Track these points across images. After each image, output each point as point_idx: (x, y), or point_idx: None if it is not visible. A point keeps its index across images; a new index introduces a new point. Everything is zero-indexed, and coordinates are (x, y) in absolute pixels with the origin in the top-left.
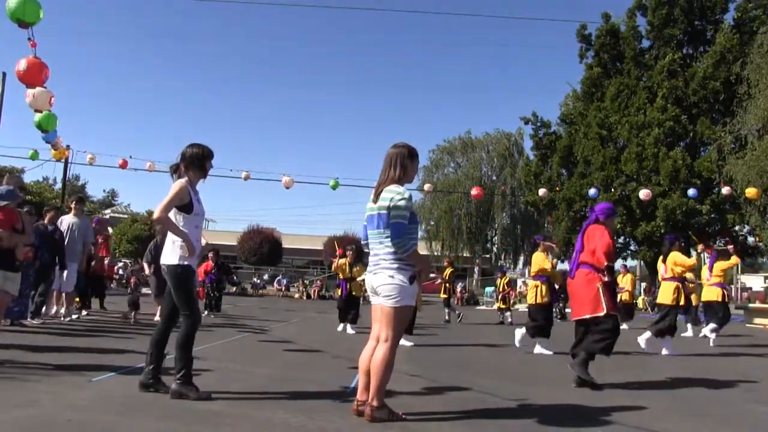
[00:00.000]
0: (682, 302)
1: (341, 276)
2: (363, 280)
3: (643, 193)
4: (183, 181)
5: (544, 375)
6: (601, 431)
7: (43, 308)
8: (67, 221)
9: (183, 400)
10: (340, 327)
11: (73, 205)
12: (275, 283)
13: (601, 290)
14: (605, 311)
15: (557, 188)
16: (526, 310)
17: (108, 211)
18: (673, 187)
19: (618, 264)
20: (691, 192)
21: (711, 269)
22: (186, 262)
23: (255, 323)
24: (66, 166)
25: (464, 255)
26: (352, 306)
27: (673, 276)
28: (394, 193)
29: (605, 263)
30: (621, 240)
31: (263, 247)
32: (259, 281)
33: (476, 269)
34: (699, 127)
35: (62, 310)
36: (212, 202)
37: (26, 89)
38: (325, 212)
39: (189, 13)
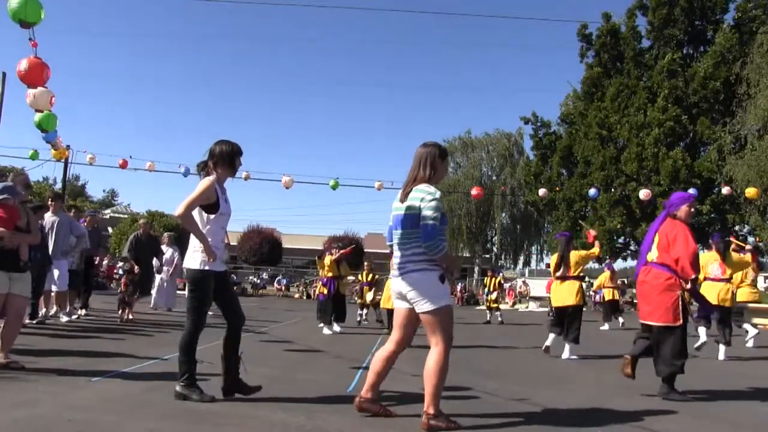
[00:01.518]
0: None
1: (329, 274)
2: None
3: (643, 193)
4: (210, 178)
5: (544, 375)
6: (601, 431)
7: (43, 309)
8: (47, 219)
9: (185, 401)
10: (326, 330)
11: (50, 203)
12: (275, 283)
13: (680, 300)
14: (680, 323)
15: (557, 188)
16: (545, 310)
17: (108, 211)
18: (673, 187)
19: (606, 264)
20: (691, 192)
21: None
22: (207, 267)
23: (255, 323)
24: (66, 166)
25: (464, 255)
26: (338, 305)
27: (729, 277)
28: (424, 193)
29: (692, 275)
30: (621, 240)
31: (263, 247)
32: (259, 281)
33: (476, 269)
34: (699, 127)
35: (54, 309)
36: None
37: (27, 89)
38: (325, 212)
39: (189, 13)
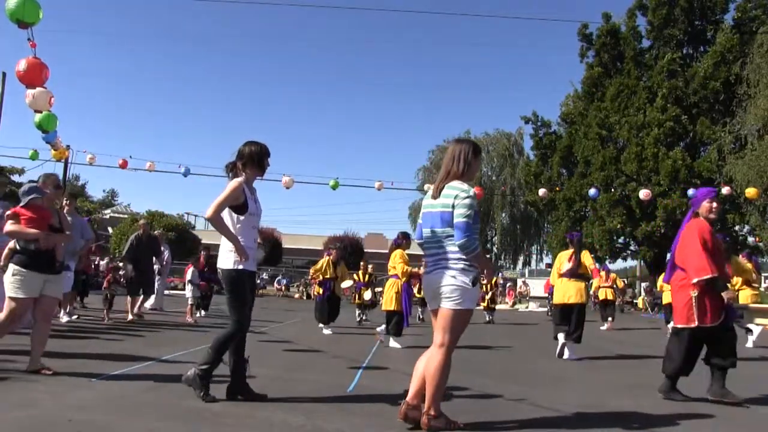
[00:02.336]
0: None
1: (325, 275)
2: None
3: (643, 193)
4: (239, 180)
5: (544, 375)
6: (600, 431)
7: None
8: None
9: (185, 396)
10: (326, 330)
11: (65, 202)
12: (275, 283)
13: (694, 301)
14: (693, 324)
15: (557, 188)
16: (545, 310)
17: (108, 211)
18: (673, 187)
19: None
20: (691, 192)
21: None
22: (241, 266)
23: (255, 323)
24: (66, 166)
25: None
26: (333, 306)
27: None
28: (458, 190)
29: (692, 278)
30: (621, 240)
31: (263, 247)
32: (258, 281)
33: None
34: (699, 127)
35: (60, 312)
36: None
37: (26, 89)
38: (325, 212)
39: (189, 13)
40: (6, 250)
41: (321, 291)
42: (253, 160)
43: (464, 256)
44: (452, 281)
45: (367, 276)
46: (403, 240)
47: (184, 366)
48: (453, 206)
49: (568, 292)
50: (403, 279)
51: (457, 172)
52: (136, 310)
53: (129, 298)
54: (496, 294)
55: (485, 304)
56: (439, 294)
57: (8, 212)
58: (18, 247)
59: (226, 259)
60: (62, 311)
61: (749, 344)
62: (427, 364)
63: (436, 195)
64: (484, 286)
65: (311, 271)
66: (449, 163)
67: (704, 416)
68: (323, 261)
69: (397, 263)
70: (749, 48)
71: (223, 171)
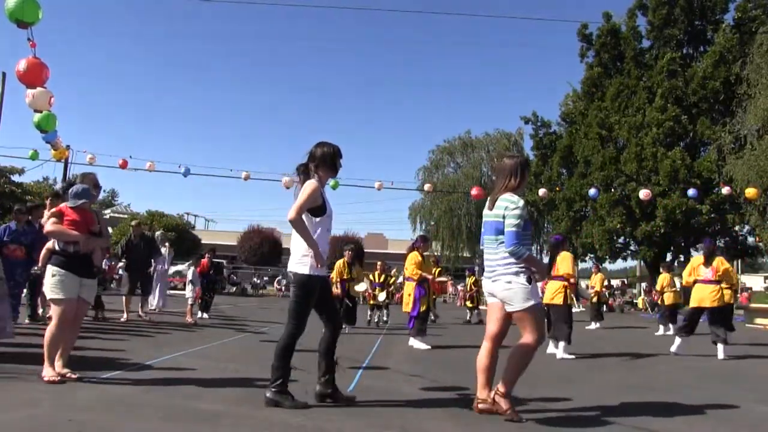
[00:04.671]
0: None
1: (341, 276)
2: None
3: (643, 193)
4: (314, 181)
5: (544, 375)
6: (600, 430)
7: (39, 310)
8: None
9: (185, 397)
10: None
11: (48, 202)
12: (275, 283)
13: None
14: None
15: (557, 188)
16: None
17: (108, 211)
18: (673, 187)
19: (590, 263)
20: (690, 192)
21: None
22: (315, 273)
23: (255, 323)
24: (66, 166)
25: (464, 255)
26: (350, 307)
27: (718, 279)
28: (508, 202)
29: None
30: (621, 240)
31: (263, 247)
32: (259, 281)
33: (476, 269)
34: (699, 127)
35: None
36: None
37: (26, 89)
38: None
39: (189, 13)
40: (44, 251)
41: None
42: (326, 161)
43: (514, 261)
44: (508, 286)
45: (383, 277)
46: (421, 243)
47: (184, 366)
48: (504, 216)
49: (547, 292)
50: (415, 280)
51: (513, 185)
52: (140, 312)
53: (124, 298)
54: (479, 293)
55: (467, 303)
56: (502, 300)
57: (52, 209)
58: (57, 248)
59: (301, 263)
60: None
61: (721, 356)
62: (512, 349)
63: (491, 206)
64: (468, 285)
65: (333, 274)
66: (507, 177)
67: (704, 416)
68: (339, 262)
69: (410, 266)
70: (749, 48)
71: (294, 173)
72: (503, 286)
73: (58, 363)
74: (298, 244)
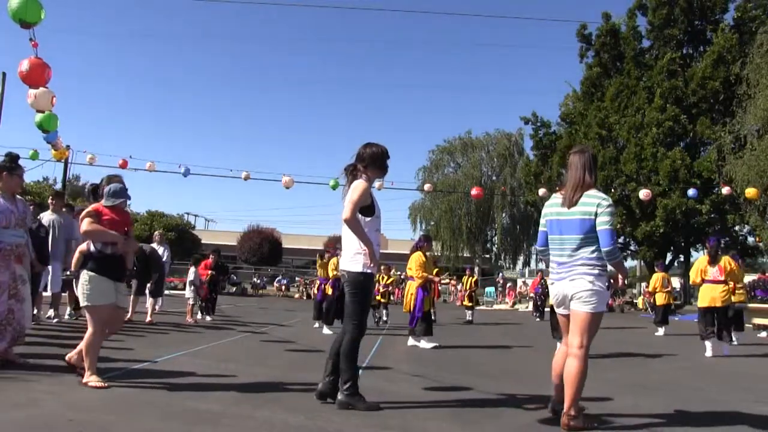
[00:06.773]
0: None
1: (334, 274)
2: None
3: (643, 193)
4: (363, 181)
5: (544, 375)
6: (601, 431)
7: (34, 311)
8: (46, 218)
9: (185, 396)
10: (326, 330)
11: (51, 201)
12: (275, 283)
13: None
14: None
15: (557, 188)
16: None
17: None
18: (673, 187)
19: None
20: (690, 192)
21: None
22: (369, 270)
23: (255, 323)
24: (66, 166)
25: (464, 255)
26: (340, 306)
27: (725, 279)
28: (600, 199)
29: None
30: (621, 240)
31: (263, 247)
32: (259, 281)
33: (476, 269)
34: (698, 127)
35: (51, 312)
36: (212, 202)
37: (28, 90)
38: (325, 212)
39: (189, 13)
40: (77, 254)
41: (330, 291)
42: (374, 161)
43: (598, 262)
44: (590, 286)
45: (385, 278)
46: (424, 243)
47: (184, 366)
48: (596, 214)
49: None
50: (419, 282)
51: (590, 182)
52: (148, 317)
53: (131, 298)
54: (476, 293)
55: (465, 302)
56: (577, 299)
57: (88, 209)
58: (94, 250)
59: (354, 261)
60: (52, 311)
61: (708, 353)
62: (567, 368)
63: (571, 204)
64: (465, 285)
65: (319, 264)
66: (581, 173)
67: (704, 416)
68: (335, 260)
69: (413, 267)
70: (749, 48)
71: (343, 174)
72: (583, 285)
73: (76, 356)
74: (350, 243)
